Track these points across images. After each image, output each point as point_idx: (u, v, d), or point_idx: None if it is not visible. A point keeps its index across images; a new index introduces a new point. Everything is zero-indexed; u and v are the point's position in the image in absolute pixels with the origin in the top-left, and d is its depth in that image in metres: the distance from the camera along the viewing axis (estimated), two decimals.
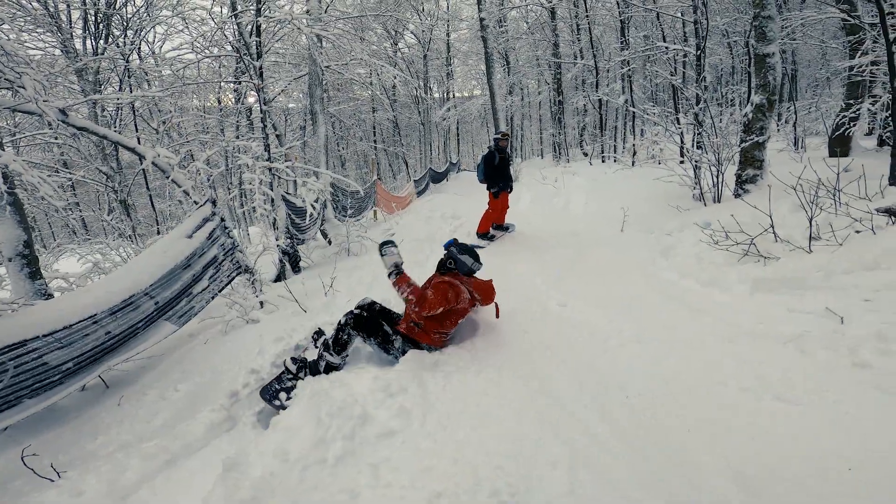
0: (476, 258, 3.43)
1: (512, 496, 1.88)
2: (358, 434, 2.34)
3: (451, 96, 26.17)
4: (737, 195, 5.76)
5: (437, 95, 26.41)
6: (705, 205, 6.00)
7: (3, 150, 3.22)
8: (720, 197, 5.99)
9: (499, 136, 6.29)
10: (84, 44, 10.96)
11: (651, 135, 8.76)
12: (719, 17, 12.18)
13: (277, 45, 12.38)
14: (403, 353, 3.10)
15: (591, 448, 2.13)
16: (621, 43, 14.19)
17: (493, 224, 6.40)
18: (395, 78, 12.40)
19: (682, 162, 8.00)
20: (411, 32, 22.37)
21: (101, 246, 6.38)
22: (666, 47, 11.65)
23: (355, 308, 3.20)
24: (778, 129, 10.89)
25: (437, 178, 18.56)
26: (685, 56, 12.51)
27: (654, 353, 2.92)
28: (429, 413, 2.46)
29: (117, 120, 11.84)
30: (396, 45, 21.76)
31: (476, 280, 3.37)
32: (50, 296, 3.93)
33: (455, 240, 3.48)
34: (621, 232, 6.02)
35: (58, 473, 2.36)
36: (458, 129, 28.09)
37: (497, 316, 3.46)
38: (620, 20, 13.98)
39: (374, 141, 23.33)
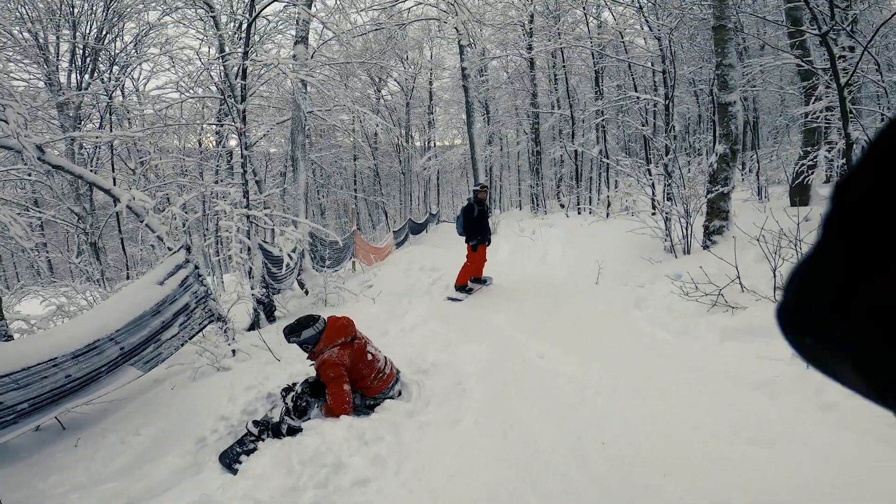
0: (307, 323, 3.23)
1: None
2: (332, 482, 2.31)
3: (433, 145, 26.68)
4: (705, 246, 5.93)
5: (418, 144, 26.98)
6: (676, 256, 6.18)
7: None
8: (689, 248, 6.17)
9: (478, 188, 6.40)
10: (69, 77, 10.96)
11: (624, 186, 9.07)
12: (686, 65, 12.69)
13: (262, 89, 12.56)
14: (366, 406, 3.14)
15: (568, 496, 2.12)
16: (596, 93, 14.79)
17: (472, 277, 6.42)
18: (377, 125, 12.69)
19: (653, 213, 8.23)
20: (395, 80, 23.08)
21: (66, 289, 6.15)
22: (637, 97, 12.20)
23: (310, 377, 3.23)
24: (742, 179, 11.33)
25: (417, 229, 18.66)
26: (655, 105, 13.13)
27: (629, 400, 2.96)
28: (404, 462, 2.46)
29: (94, 158, 11.63)
30: (380, 91, 22.36)
31: (324, 335, 3.18)
32: (10, 337, 3.85)
33: (285, 333, 3.27)
34: (596, 284, 6.14)
35: None
36: (438, 178, 28.38)
37: (363, 343, 3.32)
38: (595, 70, 14.66)
39: (355, 189, 23.37)
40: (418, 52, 22.81)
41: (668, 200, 6.94)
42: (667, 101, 9.75)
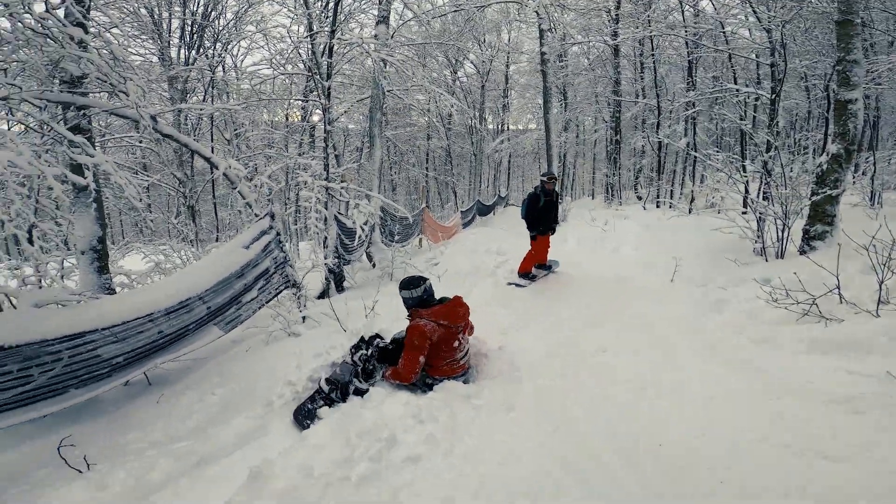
0: (413, 285, 3.34)
1: None
2: (384, 456, 2.36)
3: (506, 128, 26.36)
4: (802, 252, 5.41)
5: (491, 126, 26.70)
6: (766, 260, 5.69)
7: (95, 151, 3.48)
8: (783, 253, 5.65)
9: (545, 178, 6.23)
10: (178, 53, 11.99)
11: (712, 181, 8.41)
12: (798, 59, 11.55)
13: (345, 67, 13.01)
14: (425, 384, 3.18)
15: (614, 495, 2.08)
16: (687, 83, 13.83)
17: (536, 264, 6.34)
18: (452, 106, 12.66)
19: (744, 212, 7.63)
20: (471, 62, 22.86)
21: (164, 247, 6.77)
22: (737, 90, 11.22)
23: (381, 342, 3.35)
24: (854, 182, 10.17)
25: (485, 210, 18.60)
26: (757, 99, 12.01)
27: (692, 404, 2.81)
28: (456, 444, 2.48)
29: (196, 129, 12.76)
30: (456, 73, 22.28)
31: (435, 308, 3.26)
32: (113, 290, 4.11)
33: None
34: (671, 282, 5.80)
35: (87, 465, 2.39)
36: (509, 162, 28.11)
37: (471, 332, 3.50)
38: (688, 60, 13.66)
39: (426, 168, 23.73)
40: (496, 35, 22.40)
41: (764, 200, 6.39)
42: (773, 96, 8.86)
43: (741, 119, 11.34)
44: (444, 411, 2.76)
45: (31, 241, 4.08)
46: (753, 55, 11.59)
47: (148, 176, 11.99)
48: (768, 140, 6.76)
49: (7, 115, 3.79)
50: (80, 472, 2.35)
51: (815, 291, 3.92)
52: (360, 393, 3.08)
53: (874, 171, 8.88)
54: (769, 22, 8.83)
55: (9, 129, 3.39)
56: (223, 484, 2.30)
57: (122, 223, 21.47)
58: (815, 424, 2.42)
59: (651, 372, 3.29)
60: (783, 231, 5.63)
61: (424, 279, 3.39)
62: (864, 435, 2.27)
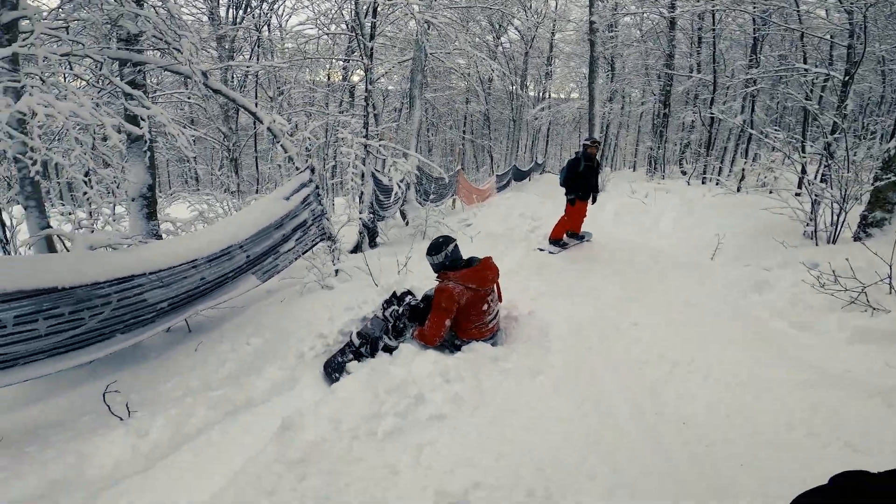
0: (435, 251, 3.33)
1: (546, 499, 1.88)
2: (411, 413, 2.39)
3: (548, 96, 25.56)
4: (857, 238, 5.15)
5: (532, 93, 25.92)
6: (816, 244, 5.42)
7: (150, 104, 3.61)
8: (836, 238, 5.36)
9: (588, 142, 6.07)
10: (226, 13, 12.11)
11: (767, 160, 7.97)
12: (878, 42, 10.72)
13: (388, 29, 12.83)
14: (453, 345, 3.20)
15: (635, 471, 2.07)
16: (750, 60, 12.99)
17: (568, 232, 6.23)
18: (493, 71, 12.31)
19: (797, 194, 7.25)
20: (515, 28, 22.02)
21: (208, 197, 7.02)
22: (805, 70, 10.46)
23: (412, 299, 3.38)
24: None
25: (520, 176, 18.30)
26: (826, 81, 11.20)
27: (723, 386, 2.75)
28: (481, 406, 2.49)
29: (242, 86, 13.03)
30: (499, 38, 21.54)
31: (464, 271, 3.23)
32: (160, 236, 4.25)
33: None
34: (712, 259, 5.61)
35: (129, 412, 2.43)
36: (548, 130, 27.42)
37: (500, 300, 3.46)
38: (753, 37, 12.78)
39: (464, 131, 23.43)
40: (543, 2, 21.42)
41: (822, 182, 6.05)
42: (846, 78, 8.22)
43: (807, 99, 10.64)
44: (471, 373, 2.77)
45: (89, 185, 4.31)
46: (828, 36, 10.73)
47: (196, 130, 12.36)
48: (834, 122, 6.34)
49: (69, 70, 3.95)
50: (122, 419, 2.39)
51: (865, 280, 3.75)
52: (389, 350, 3.13)
53: None
54: (852, 3, 8.11)
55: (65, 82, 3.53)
56: (256, 433, 2.37)
57: (170, 174, 22.31)
58: (847, 416, 2.35)
59: (684, 350, 3.22)
60: (839, 215, 5.34)
61: (448, 242, 3.34)
62: (894, 428, 2.20)
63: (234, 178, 10.12)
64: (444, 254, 3.28)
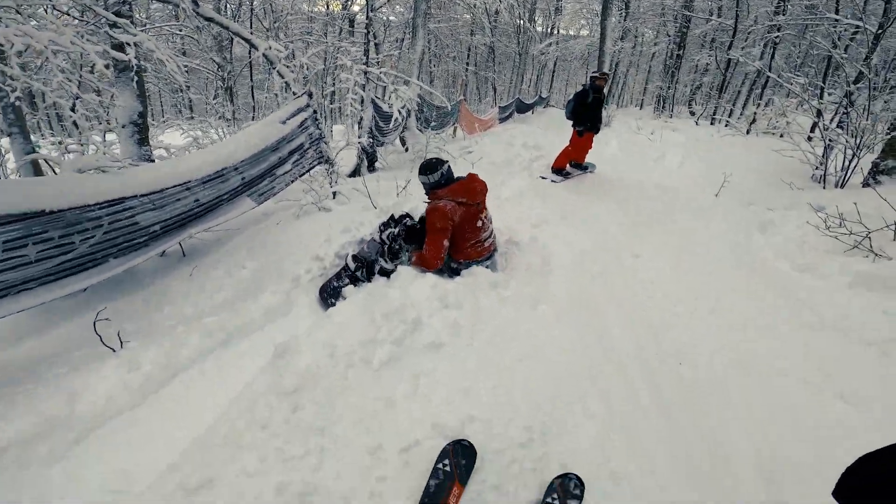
0: (430, 169, 3.17)
1: (543, 435, 1.87)
2: (407, 340, 2.32)
3: (556, 32, 24.33)
4: (865, 184, 5.11)
5: (540, 29, 24.64)
6: (824, 188, 5.36)
7: (136, 30, 3.42)
8: (845, 183, 5.30)
9: (597, 74, 5.92)
10: None
11: (781, 105, 7.75)
12: None
13: None
14: (451, 269, 3.15)
15: (631, 410, 2.09)
16: (777, 7, 12.32)
17: (571, 161, 6.17)
18: (500, 3, 11.55)
19: (809, 138, 7.11)
20: None
21: (203, 124, 6.80)
22: (836, 20, 9.95)
23: (408, 219, 3.26)
24: None
25: (523, 108, 17.76)
26: (855, 33, 10.71)
27: (723, 329, 2.76)
28: (479, 334, 2.43)
29: (236, 17, 12.39)
30: None
31: (452, 186, 3.12)
32: (152, 161, 4.15)
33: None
34: (716, 197, 5.51)
35: (121, 343, 2.37)
36: (555, 65, 26.33)
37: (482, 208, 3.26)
38: None
39: (467, 63, 22.52)
40: None
41: (838, 128, 5.98)
42: (879, 31, 7.83)
43: (833, 47, 10.21)
44: (470, 298, 2.69)
45: (73, 110, 4.17)
46: None
47: (189, 60, 11.86)
48: (860, 71, 6.18)
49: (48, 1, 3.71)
50: (114, 350, 2.33)
51: (871, 225, 3.70)
52: (385, 273, 3.06)
53: None
54: None
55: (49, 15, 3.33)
56: (249, 360, 2.30)
57: (163, 103, 21.67)
58: (840, 363, 2.38)
59: (686, 288, 3.21)
60: (851, 160, 5.25)
61: (442, 162, 3.20)
62: (887, 381, 2.23)
63: (230, 105, 9.78)
64: (439, 173, 3.15)
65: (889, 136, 5.04)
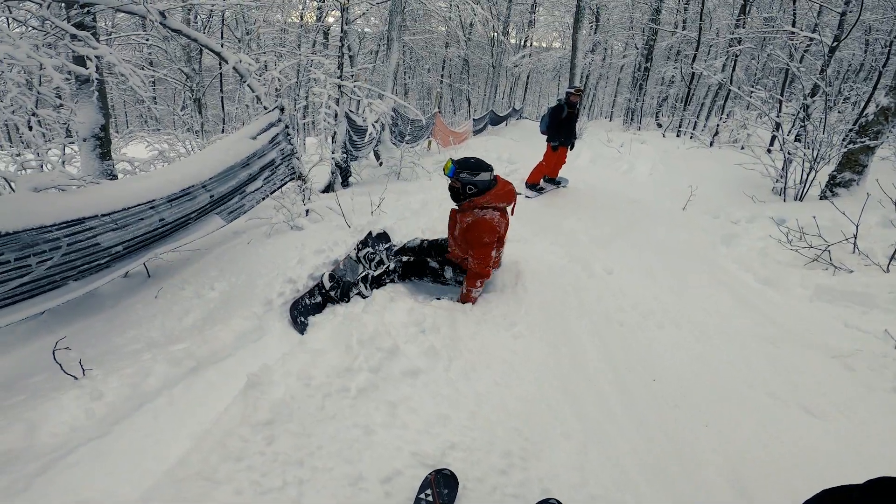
0: (487, 167, 2.96)
1: (523, 460, 1.88)
2: (384, 368, 2.29)
3: (530, 44, 24.85)
4: (823, 197, 5.34)
5: (513, 41, 25.12)
6: (784, 200, 5.58)
7: (98, 44, 3.32)
8: (804, 195, 5.53)
9: (572, 90, 6.07)
10: None
11: (741, 118, 8.07)
12: (870, 12, 10.81)
13: None
14: (457, 282, 3.11)
15: (606, 426, 2.11)
16: (737, 20, 12.92)
17: (545, 177, 6.29)
18: (475, 16, 11.72)
19: (769, 151, 7.42)
20: None
21: (168, 137, 6.62)
22: (792, 33, 10.49)
23: (403, 256, 3.22)
24: (886, 136, 9.83)
25: (497, 120, 18.06)
26: (809, 45, 11.28)
27: (691, 341, 2.83)
28: (456, 358, 2.43)
29: (206, 27, 12.16)
30: None
31: (493, 192, 2.94)
32: (115, 177, 4.02)
33: (456, 164, 2.98)
34: (683, 210, 5.71)
35: (83, 370, 2.25)
36: (528, 78, 26.88)
37: (512, 213, 3.13)
38: None
39: (441, 76, 22.71)
40: None
41: (796, 141, 6.24)
42: (834, 44, 8.28)
43: (791, 59, 10.72)
44: (447, 322, 2.67)
45: (30, 128, 4.01)
46: (819, 2, 10.68)
47: (155, 71, 11.55)
48: (815, 84, 6.50)
49: (7, 13, 3.59)
50: (76, 378, 2.20)
51: (830, 238, 3.87)
52: (361, 296, 3.01)
53: None
54: None
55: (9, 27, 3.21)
56: (221, 390, 2.23)
57: (127, 115, 21.05)
58: (805, 376, 2.46)
59: (656, 300, 3.29)
60: (809, 173, 5.48)
61: (489, 164, 2.99)
62: (849, 393, 2.32)
63: (198, 117, 9.56)
64: (490, 174, 2.92)
65: (846, 149, 5.25)
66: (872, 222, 4.09)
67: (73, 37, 3.17)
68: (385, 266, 3.16)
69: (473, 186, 2.92)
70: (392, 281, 3.14)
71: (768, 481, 1.84)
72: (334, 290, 3.01)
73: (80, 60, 3.47)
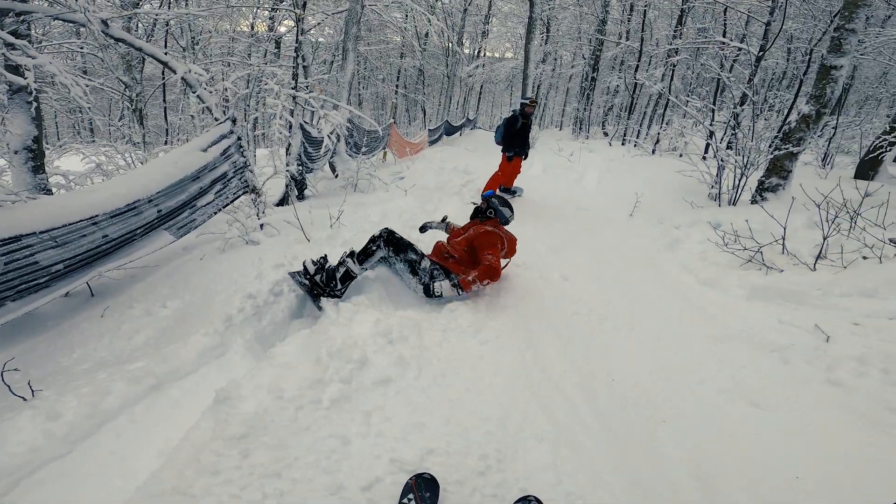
0: (512, 211, 3.76)
1: (499, 462, 1.92)
2: (355, 378, 2.30)
3: (483, 55, 25.37)
4: (754, 201, 5.72)
5: (467, 51, 25.58)
6: (720, 205, 5.95)
7: (38, 53, 3.16)
8: (737, 200, 5.92)
9: (526, 101, 6.26)
10: None
11: (679, 126, 8.57)
12: (792, 21, 11.60)
13: None
14: (431, 275, 3.19)
15: (575, 427, 2.18)
16: (675, 31, 13.71)
17: (500, 187, 6.43)
18: (430, 26, 11.87)
19: (704, 158, 7.91)
20: None
21: (106, 149, 6.29)
22: (723, 43, 11.22)
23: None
24: (808, 142, 10.68)
25: (451, 130, 18.35)
26: (738, 54, 12.08)
27: (645, 342, 2.97)
28: (425, 367, 2.47)
29: (149, 36, 11.68)
30: None
31: (510, 235, 3.61)
32: (49, 191, 3.85)
33: (494, 192, 3.68)
34: (630, 216, 6.00)
35: (32, 391, 2.15)
36: (482, 88, 27.46)
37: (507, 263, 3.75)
38: (681, 8, 13.52)
39: (396, 86, 22.75)
40: None
41: (728, 149, 6.64)
42: (760, 53, 8.90)
43: (721, 69, 11.43)
44: (414, 331, 2.72)
45: None
46: (747, 12, 11.51)
47: (91, 80, 10.93)
48: (744, 93, 6.90)
49: None
50: (25, 399, 2.13)
51: (761, 240, 4.16)
52: (347, 278, 3.09)
53: (833, 135, 9.25)
54: None
55: None
56: (185, 408, 2.20)
57: (58, 125, 19.78)
58: (748, 371, 2.63)
59: (609, 305, 3.45)
60: (741, 179, 5.87)
61: (512, 209, 3.84)
62: (789, 387, 2.49)
63: (138, 128, 9.11)
64: (511, 215, 3.79)
65: (772, 155, 5.62)
66: (798, 224, 4.40)
67: (10, 45, 3.03)
68: (371, 236, 3.25)
69: (494, 212, 3.69)
70: (378, 247, 3.20)
71: (728, 474, 1.95)
72: (319, 272, 2.99)
73: (12, 69, 3.31)
